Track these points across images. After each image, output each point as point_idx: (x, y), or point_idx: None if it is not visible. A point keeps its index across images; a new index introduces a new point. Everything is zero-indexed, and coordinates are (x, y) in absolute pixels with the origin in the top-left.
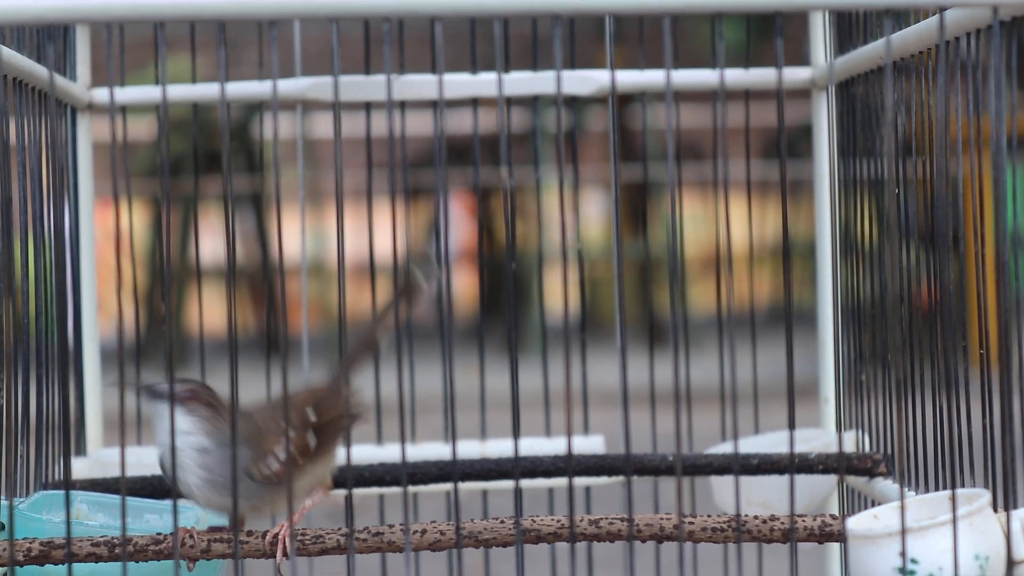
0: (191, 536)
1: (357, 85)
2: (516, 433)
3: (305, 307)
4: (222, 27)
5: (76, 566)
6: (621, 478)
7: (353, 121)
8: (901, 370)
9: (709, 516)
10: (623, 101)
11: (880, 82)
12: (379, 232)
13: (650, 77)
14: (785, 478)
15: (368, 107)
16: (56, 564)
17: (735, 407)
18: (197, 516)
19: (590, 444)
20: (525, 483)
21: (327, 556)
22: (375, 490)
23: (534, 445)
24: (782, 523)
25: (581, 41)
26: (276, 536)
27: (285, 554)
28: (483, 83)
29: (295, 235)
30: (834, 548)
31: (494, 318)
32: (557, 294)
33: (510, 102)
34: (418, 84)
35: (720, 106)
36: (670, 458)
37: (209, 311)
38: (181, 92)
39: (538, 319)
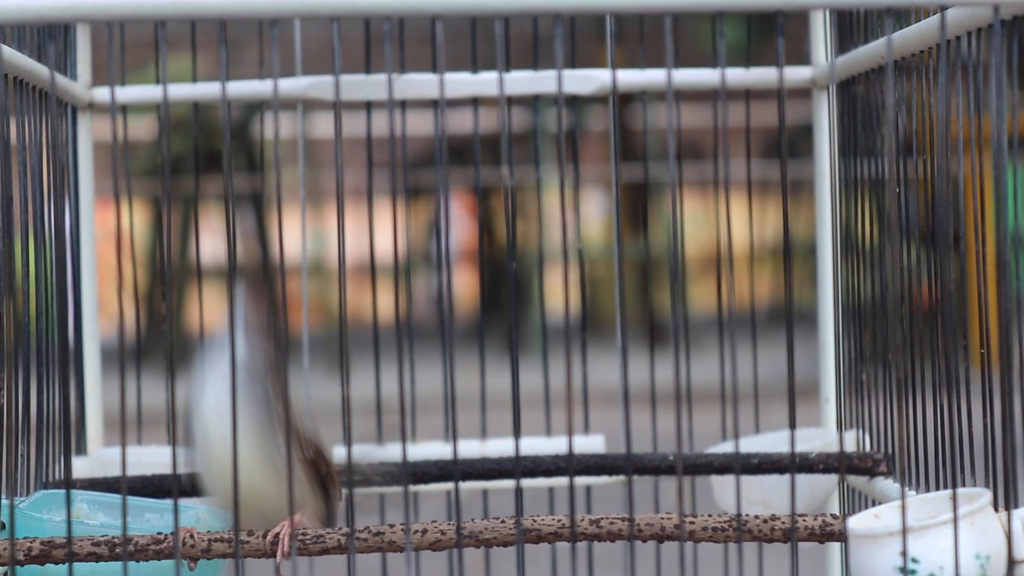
0: (191, 536)
1: (358, 84)
2: (517, 433)
3: (306, 307)
4: (223, 26)
5: (77, 565)
6: (622, 478)
7: (353, 120)
8: (902, 369)
9: (710, 516)
10: (623, 100)
11: (881, 81)
12: (379, 232)
13: (651, 76)
14: (786, 478)
15: (369, 106)
16: (57, 563)
17: (736, 407)
18: (198, 515)
19: (591, 444)
20: (526, 483)
21: (328, 556)
22: (376, 489)
23: (535, 445)
24: (783, 523)
25: (581, 40)
26: (277, 536)
27: (286, 554)
28: (484, 82)
29: (295, 235)
30: (835, 548)
31: (494, 318)
32: (557, 294)
33: (511, 101)
34: (419, 83)
35: (721, 105)
36: (671, 458)
37: (209, 311)
38: (182, 91)
39: (538, 319)
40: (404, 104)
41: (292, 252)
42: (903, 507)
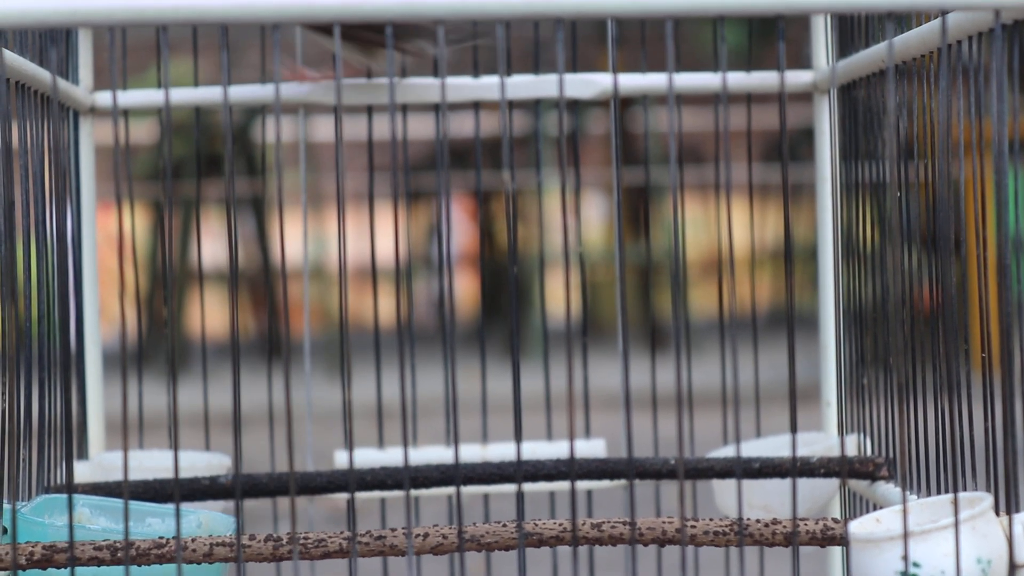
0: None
1: (359, 89)
2: (518, 437)
3: (307, 311)
4: (224, 31)
5: (79, 570)
6: (623, 482)
7: (354, 125)
8: (903, 373)
9: (711, 520)
10: (624, 104)
11: (882, 85)
12: (380, 235)
13: (652, 80)
14: (787, 482)
15: (370, 110)
16: (58, 568)
17: (737, 411)
18: (199, 520)
19: (592, 448)
20: (527, 487)
21: (329, 560)
22: (377, 494)
23: (536, 449)
24: (784, 527)
25: (581, 44)
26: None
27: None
28: (485, 86)
29: (296, 239)
30: (836, 552)
31: (495, 321)
32: (558, 297)
33: (512, 105)
34: (420, 87)
35: (722, 109)
36: (672, 462)
37: (210, 315)
38: (183, 95)
39: (539, 322)
40: (405, 108)
41: (293, 256)
42: (904, 511)
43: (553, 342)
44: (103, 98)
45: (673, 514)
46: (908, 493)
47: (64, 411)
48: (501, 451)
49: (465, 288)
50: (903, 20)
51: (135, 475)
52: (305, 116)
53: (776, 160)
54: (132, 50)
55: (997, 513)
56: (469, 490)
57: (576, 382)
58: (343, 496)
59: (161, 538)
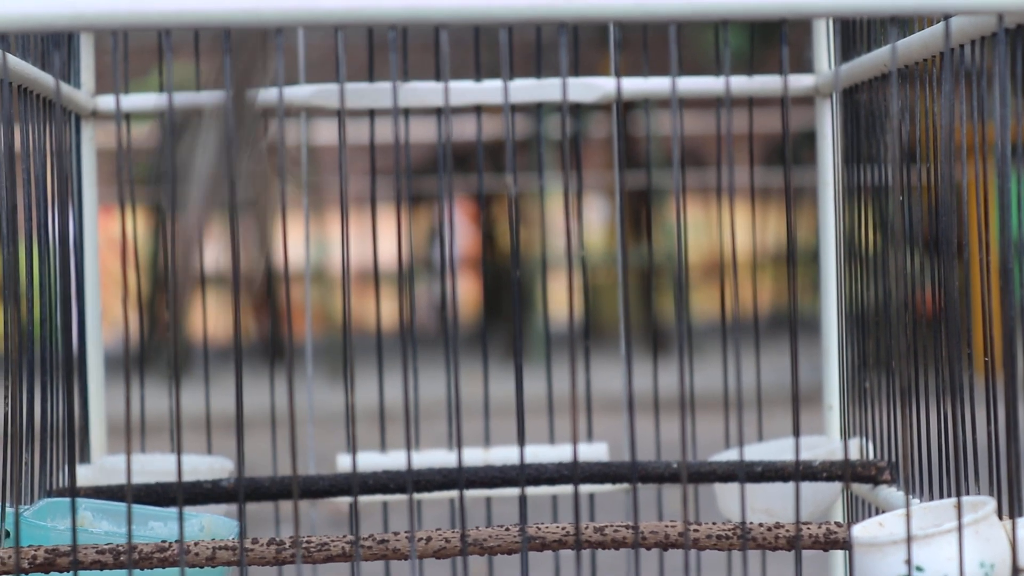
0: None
1: (361, 92)
2: (521, 440)
3: (309, 314)
4: (227, 34)
5: (81, 574)
6: (625, 485)
7: (355, 128)
8: (905, 377)
9: (714, 523)
10: (625, 108)
11: (884, 89)
12: (381, 238)
13: (654, 84)
14: (789, 485)
15: (372, 114)
16: (61, 572)
17: (740, 414)
18: (202, 524)
19: (594, 451)
20: (529, 491)
21: (332, 564)
22: (379, 497)
23: (538, 452)
24: (787, 531)
25: (583, 48)
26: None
27: None
28: (487, 90)
29: (298, 242)
30: (838, 556)
31: (496, 325)
32: (560, 301)
33: (514, 109)
34: (422, 91)
35: (725, 113)
36: (674, 465)
37: (211, 318)
38: (185, 99)
39: (541, 326)
40: (407, 112)
41: (295, 259)
42: (907, 515)
43: (555, 345)
44: (105, 102)
45: (675, 518)
46: (911, 497)
47: (66, 415)
48: (503, 454)
49: (467, 291)
50: (905, 24)
51: (137, 479)
52: (307, 119)
53: (778, 164)
54: (134, 54)
55: (1000, 517)
56: (472, 494)
57: (578, 385)
58: (345, 500)
59: (164, 542)
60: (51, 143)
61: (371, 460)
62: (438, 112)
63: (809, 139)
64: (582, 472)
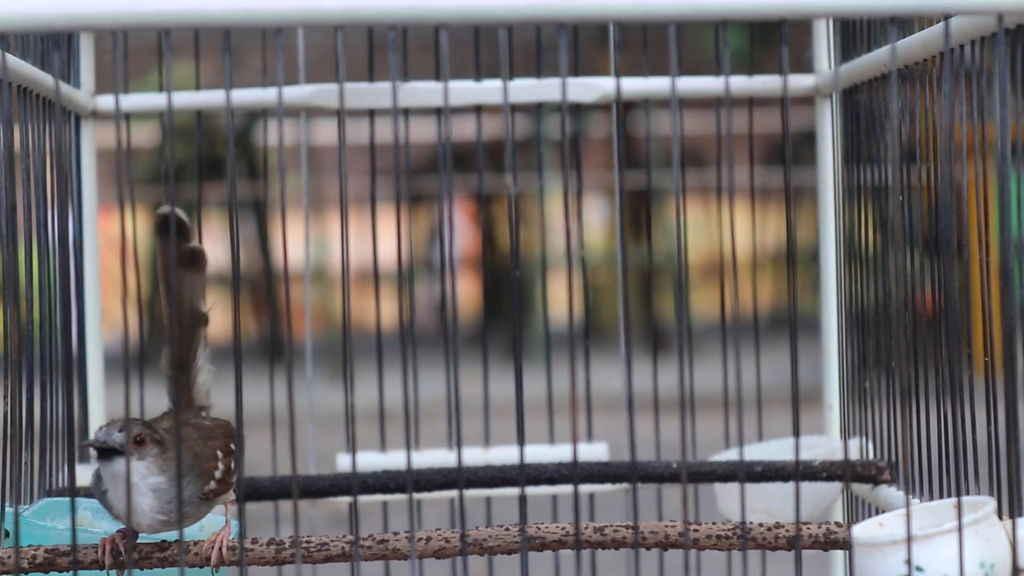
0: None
1: (361, 92)
2: (521, 440)
3: (308, 314)
4: (227, 34)
5: (81, 574)
6: (625, 485)
7: (355, 128)
8: (905, 377)
9: (714, 523)
10: (625, 108)
11: (884, 89)
12: (382, 238)
13: (653, 84)
14: (789, 485)
15: (372, 114)
16: (61, 571)
17: (740, 414)
18: (201, 524)
19: (594, 451)
20: (529, 490)
21: (331, 563)
22: (379, 497)
23: (538, 452)
24: (787, 531)
25: (583, 48)
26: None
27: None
28: (487, 90)
29: (298, 242)
30: (838, 556)
31: (496, 324)
32: (559, 300)
33: (514, 109)
34: (422, 91)
35: (725, 113)
36: (674, 465)
37: (211, 318)
38: (185, 99)
39: (541, 325)
40: (407, 112)
41: (295, 259)
42: (907, 515)
43: (555, 345)
44: (105, 102)
45: (675, 518)
46: (911, 497)
47: (66, 414)
48: (503, 454)
49: (466, 291)
50: (905, 24)
51: None
52: (307, 119)
53: (777, 164)
54: (133, 54)
55: (1000, 517)
56: (471, 493)
57: (578, 385)
58: (345, 499)
59: (163, 541)
60: (51, 143)
61: (371, 460)
62: (438, 112)
63: (809, 139)
64: (582, 472)
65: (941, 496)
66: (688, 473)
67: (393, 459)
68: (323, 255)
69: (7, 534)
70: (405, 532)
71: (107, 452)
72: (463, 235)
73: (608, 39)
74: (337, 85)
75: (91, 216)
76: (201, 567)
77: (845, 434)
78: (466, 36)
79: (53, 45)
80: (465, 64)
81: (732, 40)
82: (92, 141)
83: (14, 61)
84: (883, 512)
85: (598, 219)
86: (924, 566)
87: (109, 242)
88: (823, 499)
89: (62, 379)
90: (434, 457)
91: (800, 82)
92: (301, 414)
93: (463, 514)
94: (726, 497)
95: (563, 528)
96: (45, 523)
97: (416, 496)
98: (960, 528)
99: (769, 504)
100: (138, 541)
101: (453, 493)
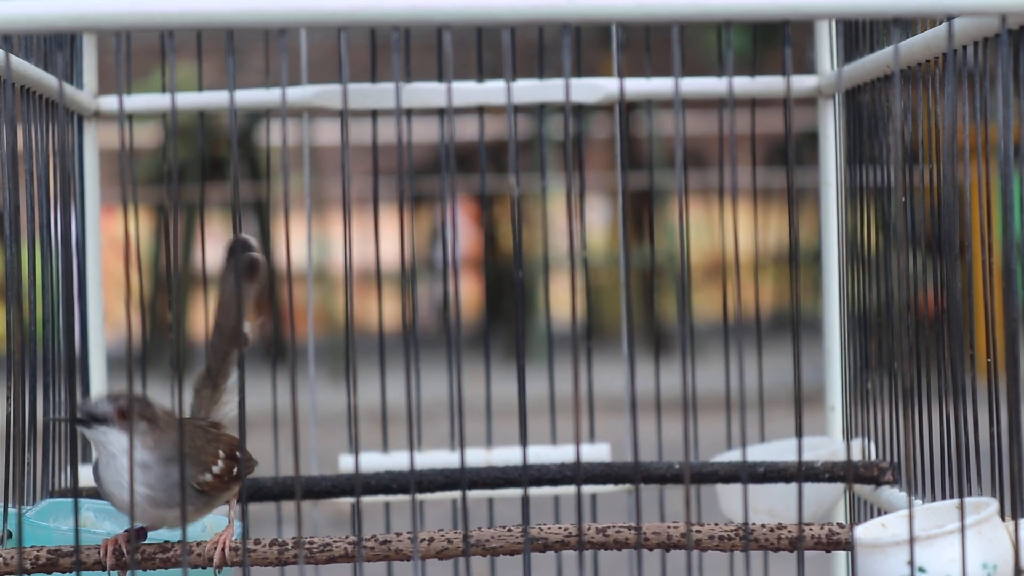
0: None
1: (364, 93)
2: (523, 441)
3: (311, 315)
4: (230, 35)
5: (84, 574)
6: (627, 486)
7: (358, 129)
8: (908, 378)
9: (716, 524)
10: (627, 109)
11: (886, 90)
12: (384, 239)
13: (656, 85)
14: (792, 486)
15: (375, 115)
16: (63, 572)
17: (742, 415)
18: (204, 524)
19: (596, 452)
20: (532, 491)
21: (334, 564)
22: (381, 498)
23: (540, 453)
24: (789, 531)
25: (586, 48)
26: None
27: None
28: (490, 91)
29: (300, 242)
30: (841, 557)
31: (499, 325)
32: (562, 301)
33: (516, 110)
34: (425, 92)
35: (728, 114)
36: (676, 466)
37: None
38: (187, 100)
39: (543, 326)
40: (410, 112)
41: (297, 260)
42: (910, 516)
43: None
44: (107, 102)
45: (678, 518)
46: (913, 498)
47: (68, 415)
48: (506, 455)
49: (469, 292)
50: (908, 25)
51: None
52: (309, 120)
53: (780, 164)
54: (136, 54)
55: (1003, 518)
56: (474, 494)
57: (581, 386)
58: (348, 500)
59: (166, 542)
60: (54, 143)
61: (373, 460)
62: (440, 113)
63: (811, 140)
64: (585, 473)
65: (943, 497)
66: (691, 474)
67: (395, 460)
68: (325, 256)
69: (10, 535)
70: (408, 533)
71: (88, 420)
72: (465, 236)
73: (611, 40)
74: (340, 86)
75: (94, 217)
76: (204, 568)
77: (847, 435)
78: (469, 37)
79: (56, 46)
80: (468, 65)
81: (735, 41)
82: (95, 142)
83: (17, 62)
84: (885, 513)
85: (600, 220)
86: (927, 567)
87: (112, 243)
88: (825, 500)
89: (64, 380)
90: (436, 458)
91: (802, 83)
92: (303, 415)
93: (466, 515)
94: (728, 498)
95: (566, 529)
96: (48, 524)
97: (419, 497)
98: (963, 529)
99: (771, 505)
100: (141, 542)
101: (456, 494)
